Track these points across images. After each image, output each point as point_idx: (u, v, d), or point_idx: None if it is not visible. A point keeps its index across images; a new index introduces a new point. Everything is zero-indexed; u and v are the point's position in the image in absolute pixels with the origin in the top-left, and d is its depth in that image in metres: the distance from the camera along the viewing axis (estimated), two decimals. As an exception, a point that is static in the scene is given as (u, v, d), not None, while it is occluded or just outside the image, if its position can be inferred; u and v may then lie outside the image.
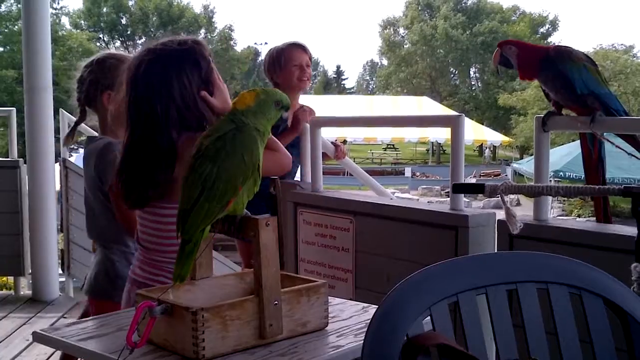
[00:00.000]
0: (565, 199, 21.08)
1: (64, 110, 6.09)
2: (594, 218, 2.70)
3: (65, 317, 5.13)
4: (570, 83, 2.47)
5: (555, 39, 50.63)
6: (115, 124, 2.64)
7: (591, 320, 1.43)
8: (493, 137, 32.61)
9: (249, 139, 1.72)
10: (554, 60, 2.50)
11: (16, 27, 29.78)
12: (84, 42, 35.99)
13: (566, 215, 20.73)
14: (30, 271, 5.77)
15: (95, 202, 2.69)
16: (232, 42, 50.76)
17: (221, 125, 1.76)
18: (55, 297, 5.64)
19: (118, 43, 48.37)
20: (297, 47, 3.73)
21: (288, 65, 3.67)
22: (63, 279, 5.94)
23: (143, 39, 48.11)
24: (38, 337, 1.88)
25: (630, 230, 2.28)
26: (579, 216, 20.40)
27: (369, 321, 1.30)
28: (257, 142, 1.74)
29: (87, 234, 2.78)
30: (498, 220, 2.56)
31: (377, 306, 1.33)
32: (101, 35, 47.15)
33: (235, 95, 1.84)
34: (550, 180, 2.49)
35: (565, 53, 2.51)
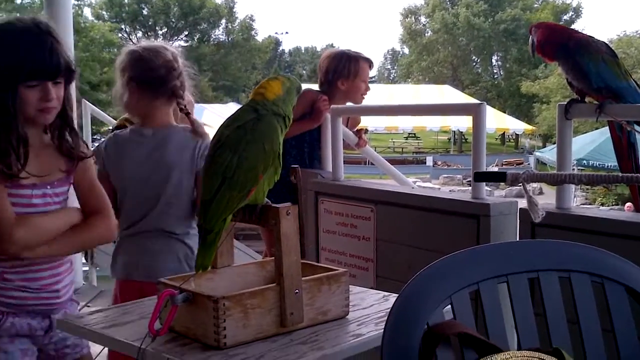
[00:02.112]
0: (589, 187, 20.91)
1: (86, 101, 6.13)
2: (617, 206, 2.70)
3: (88, 306, 5.18)
4: (587, 76, 2.46)
5: (579, 27, 50.09)
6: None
7: (613, 309, 1.42)
8: (515, 125, 32.36)
9: (270, 127, 1.73)
10: (572, 51, 2.49)
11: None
12: (106, 34, 36.08)
13: (589, 204, 20.57)
14: (54, 260, 5.81)
15: None
16: (253, 32, 50.74)
17: (241, 115, 1.77)
18: (79, 286, 5.68)
19: (140, 34, 48.57)
20: (368, 63, 3.77)
21: (358, 78, 3.70)
22: (87, 268, 6.00)
23: (164, 30, 48.29)
24: (62, 325, 1.90)
25: (654, 219, 2.26)
26: (602, 205, 20.23)
27: (389, 310, 1.31)
28: (278, 130, 1.74)
29: None
30: (520, 208, 2.54)
31: (397, 295, 1.33)
32: (123, 26, 47.38)
33: (256, 84, 1.85)
34: (574, 169, 2.47)
35: (583, 45, 2.49)
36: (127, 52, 2.66)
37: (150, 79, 2.60)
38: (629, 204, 18.34)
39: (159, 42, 2.78)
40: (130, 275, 2.64)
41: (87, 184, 2.27)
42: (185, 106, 2.64)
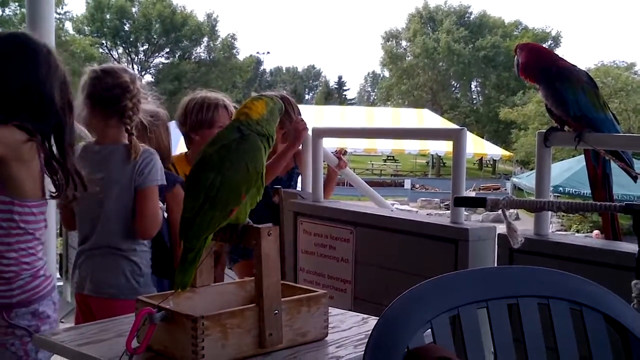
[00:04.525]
0: (565, 214, 21.08)
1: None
2: (592, 233, 2.72)
3: (62, 322, 5.11)
4: (565, 103, 2.49)
5: (557, 55, 50.61)
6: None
7: (591, 336, 1.43)
8: (493, 150, 32.63)
9: (254, 147, 1.74)
10: (554, 78, 2.52)
11: (20, 30, 29.85)
12: (87, 48, 36.05)
13: (565, 231, 20.72)
14: (28, 275, 5.73)
15: None
16: (234, 51, 50.77)
17: (226, 134, 1.77)
18: (52, 301, 5.61)
19: (121, 49, 48.47)
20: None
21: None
22: (61, 284, 5.92)
23: (146, 46, 48.21)
24: (37, 341, 1.88)
25: (630, 247, 2.28)
26: (577, 231, 20.39)
27: (368, 332, 1.31)
28: (262, 151, 1.75)
29: None
30: (498, 234, 2.56)
31: (377, 317, 1.33)
32: (104, 41, 47.21)
33: (238, 103, 1.86)
34: (550, 195, 2.49)
35: (565, 72, 2.52)
36: (88, 71, 2.73)
37: (104, 98, 2.66)
38: (596, 231, 18.53)
39: (121, 65, 2.87)
40: (82, 289, 2.70)
41: None
42: (131, 127, 2.67)
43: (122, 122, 2.66)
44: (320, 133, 3.36)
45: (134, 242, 2.67)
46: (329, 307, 1.89)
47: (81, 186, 2.31)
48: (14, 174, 2.13)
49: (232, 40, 50.33)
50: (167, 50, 48.68)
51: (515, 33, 50.61)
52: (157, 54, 48.83)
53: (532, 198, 2.19)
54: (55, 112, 2.21)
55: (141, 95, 2.73)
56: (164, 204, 2.86)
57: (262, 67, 75.34)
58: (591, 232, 19.52)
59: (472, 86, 52.94)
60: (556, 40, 51.63)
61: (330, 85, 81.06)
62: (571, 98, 2.49)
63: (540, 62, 2.58)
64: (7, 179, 2.13)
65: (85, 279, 2.69)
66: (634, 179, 2.54)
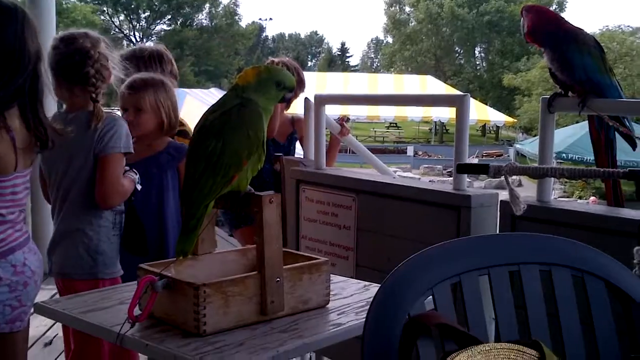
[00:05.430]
0: (567, 180, 21.07)
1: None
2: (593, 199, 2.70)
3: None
4: (571, 67, 2.46)
5: (562, 20, 50.16)
6: None
7: (593, 303, 1.43)
8: (496, 117, 32.52)
9: (255, 114, 1.72)
10: (560, 41, 2.49)
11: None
12: (88, 15, 35.92)
13: (567, 197, 20.73)
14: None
15: None
16: (236, 18, 50.45)
17: (226, 101, 1.75)
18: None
19: (122, 16, 48.15)
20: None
21: None
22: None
23: (147, 13, 47.90)
24: (39, 309, 1.89)
25: (633, 214, 2.28)
26: (580, 198, 20.40)
27: (370, 299, 1.31)
28: (262, 117, 1.73)
29: None
30: (500, 200, 2.55)
31: (378, 285, 1.33)
32: (105, 8, 46.89)
33: (240, 70, 1.84)
34: (553, 162, 2.47)
35: (572, 36, 2.49)
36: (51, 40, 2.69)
37: (63, 67, 2.61)
38: (593, 197, 18.55)
39: (84, 30, 2.75)
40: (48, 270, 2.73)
41: None
42: (96, 94, 2.62)
43: (87, 90, 2.60)
44: (323, 100, 3.34)
45: (93, 214, 2.62)
46: (331, 275, 1.90)
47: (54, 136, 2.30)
48: None
49: (234, 7, 50.04)
50: (169, 17, 48.42)
51: (519, -2, 50.17)
52: (158, 21, 48.58)
53: (535, 164, 2.17)
54: (29, 64, 2.22)
55: (106, 59, 2.65)
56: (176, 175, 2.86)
57: (264, 34, 74.92)
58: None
59: (476, 52, 52.62)
60: (561, 5, 51.14)
61: (333, 52, 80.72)
62: (577, 61, 2.46)
63: (546, 25, 2.54)
64: None
65: (50, 261, 2.71)
66: (634, 146, 2.52)
